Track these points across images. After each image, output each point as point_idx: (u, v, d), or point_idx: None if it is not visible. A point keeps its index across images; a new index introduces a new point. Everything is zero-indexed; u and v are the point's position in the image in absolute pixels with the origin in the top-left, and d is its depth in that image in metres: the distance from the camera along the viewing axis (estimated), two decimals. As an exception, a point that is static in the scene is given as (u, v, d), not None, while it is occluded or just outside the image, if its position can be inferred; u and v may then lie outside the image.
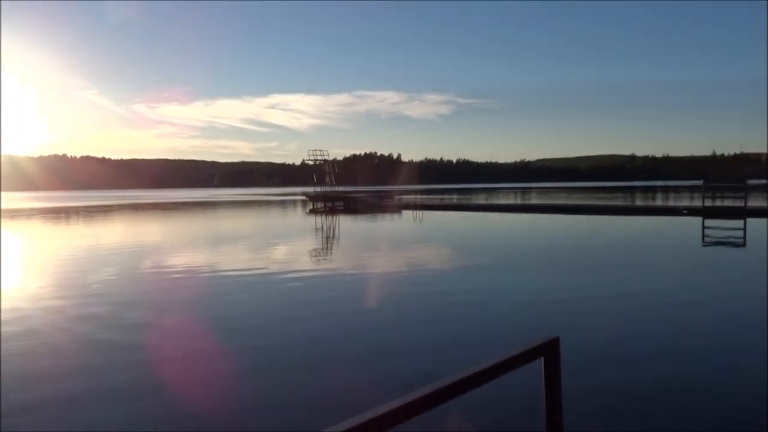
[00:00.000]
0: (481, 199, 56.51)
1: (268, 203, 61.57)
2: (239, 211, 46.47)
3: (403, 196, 50.97)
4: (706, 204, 29.89)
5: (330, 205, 46.54)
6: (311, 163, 49.82)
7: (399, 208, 42.29)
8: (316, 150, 49.11)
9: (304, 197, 53.53)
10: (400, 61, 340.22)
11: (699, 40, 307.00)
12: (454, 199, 60.19)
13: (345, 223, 30.86)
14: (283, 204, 58.63)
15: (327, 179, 49.90)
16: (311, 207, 46.16)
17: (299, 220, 35.64)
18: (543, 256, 16.46)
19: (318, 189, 50.21)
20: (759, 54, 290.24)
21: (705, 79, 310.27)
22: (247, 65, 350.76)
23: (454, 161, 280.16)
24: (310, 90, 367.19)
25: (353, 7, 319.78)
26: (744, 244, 18.77)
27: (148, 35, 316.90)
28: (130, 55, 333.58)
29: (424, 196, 62.78)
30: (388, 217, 34.59)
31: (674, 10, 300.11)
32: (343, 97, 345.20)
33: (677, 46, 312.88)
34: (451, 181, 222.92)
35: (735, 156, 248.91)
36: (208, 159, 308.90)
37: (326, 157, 50.02)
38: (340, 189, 51.51)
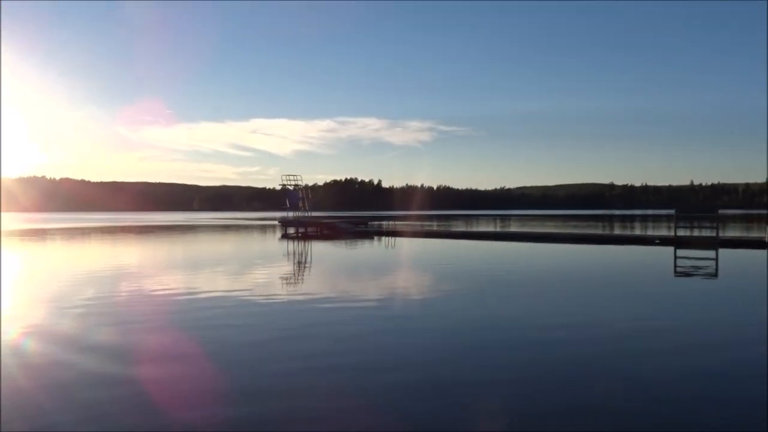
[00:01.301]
0: (458, 227, 56.22)
1: (243, 227, 60.74)
2: (211, 235, 45.61)
3: (380, 222, 50.41)
4: (678, 234, 29.71)
5: (303, 230, 45.88)
6: (285, 187, 49.30)
7: (372, 234, 41.80)
8: (289, 175, 48.72)
9: (276, 222, 52.98)
10: (382, 88, 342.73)
11: (678, 71, 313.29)
12: (434, 226, 59.89)
13: (315, 249, 30.20)
14: (257, 228, 57.88)
15: (300, 204, 49.30)
16: (283, 232, 45.44)
17: (267, 245, 34.86)
18: (508, 283, 16.02)
19: (291, 214, 49.59)
20: (736, 86, 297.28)
21: (684, 110, 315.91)
22: (230, 89, 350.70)
23: (435, 188, 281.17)
24: (292, 115, 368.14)
25: (335, 34, 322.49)
26: (716, 275, 18.54)
27: (130, 58, 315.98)
28: (112, 78, 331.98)
29: (401, 223, 62.35)
30: (360, 243, 34.02)
31: (654, 41, 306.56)
32: (325, 123, 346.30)
33: (657, 76, 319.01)
34: (432, 208, 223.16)
35: (712, 186, 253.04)
36: (189, 182, 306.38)
37: (299, 182, 49.54)
38: (314, 214, 50.85)
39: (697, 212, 37.20)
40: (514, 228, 52.08)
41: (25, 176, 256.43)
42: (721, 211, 40.12)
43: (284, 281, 16.68)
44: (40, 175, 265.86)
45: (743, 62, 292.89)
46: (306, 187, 50.61)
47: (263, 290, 14.54)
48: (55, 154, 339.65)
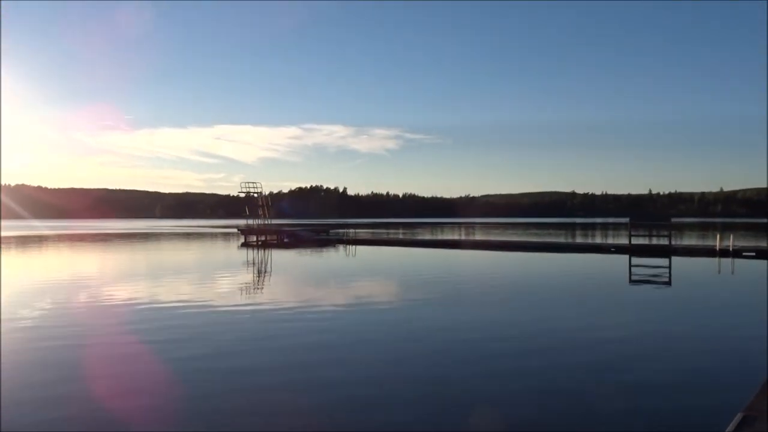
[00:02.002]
0: (422, 235, 56.33)
1: (203, 236, 59.73)
2: (169, 243, 44.68)
3: (341, 230, 50.14)
4: (633, 242, 30.21)
5: (263, 239, 45.32)
6: (243, 195, 48.68)
7: (334, 242, 41.50)
8: (249, 182, 48.13)
9: (236, 230, 52.32)
10: (348, 95, 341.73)
11: (638, 83, 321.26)
12: (400, 233, 59.86)
13: (273, 258, 29.79)
14: (217, 237, 56.94)
15: (260, 212, 48.69)
16: (243, 240, 44.80)
17: (224, 254, 34.28)
18: (460, 291, 16.02)
19: (250, 222, 48.99)
20: (694, 96, 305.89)
21: (643, 121, 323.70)
22: (193, 95, 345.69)
23: (401, 195, 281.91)
24: (257, 122, 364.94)
25: (300, 40, 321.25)
26: (669, 282, 18.88)
27: (88, 61, 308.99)
28: (69, 82, 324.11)
29: (363, 230, 62.20)
30: (320, 251, 33.72)
31: (614, 54, 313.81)
32: (291, 130, 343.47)
33: (615, 87, 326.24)
34: (397, 216, 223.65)
35: (669, 195, 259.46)
36: (151, 189, 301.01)
37: (259, 190, 48.91)
38: (276, 222, 50.29)
39: (651, 221, 37.76)
40: (475, 236, 52.35)
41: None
42: (675, 220, 41.03)
43: (238, 292, 16.32)
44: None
45: (702, 73, 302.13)
46: (266, 195, 50.06)
47: (213, 301, 14.19)
48: (9, 159, 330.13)
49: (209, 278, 19.92)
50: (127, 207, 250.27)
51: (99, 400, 6.65)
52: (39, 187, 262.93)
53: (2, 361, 8.26)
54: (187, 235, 59.53)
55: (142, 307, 13.31)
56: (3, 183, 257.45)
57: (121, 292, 15.83)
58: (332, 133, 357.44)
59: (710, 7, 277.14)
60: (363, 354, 8.90)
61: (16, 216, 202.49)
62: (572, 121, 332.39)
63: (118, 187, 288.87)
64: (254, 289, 17.07)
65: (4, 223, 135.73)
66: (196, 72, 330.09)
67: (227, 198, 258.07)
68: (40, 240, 49.48)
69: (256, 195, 48.78)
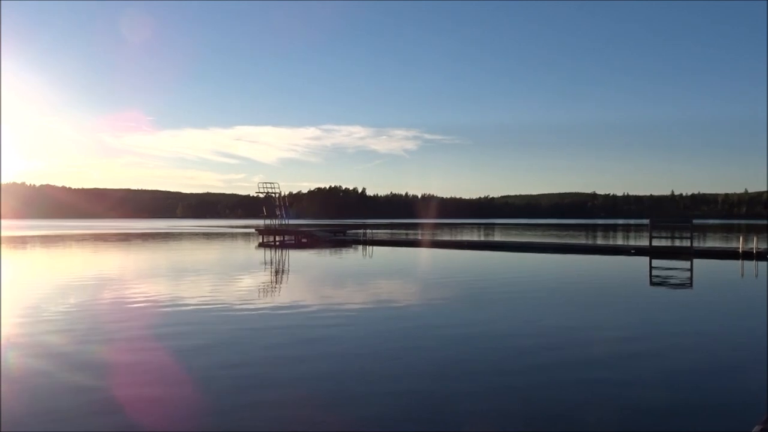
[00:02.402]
0: (440, 235, 56.12)
1: (221, 236, 60.11)
2: (187, 243, 44.95)
3: (358, 231, 50.02)
4: (653, 244, 29.72)
5: (280, 239, 45.41)
6: (261, 195, 48.78)
7: (351, 242, 41.45)
8: (266, 183, 48.22)
9: (254, 230, 52.51)
10: (367, 96, 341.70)
11: (659, 83, 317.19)
12: (417, 234, 59.65)
13: (290, 258, 29.81)
14: (235, 237, 57.26)
15: (278, 212, 48.80)
16: (261, 240, 44.91)
17: (242, 254, 34.34)
18: (480, 292, 15.80)
19: (268, 222, 49.12)
20: (718, 96, 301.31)
21: (665, 121, 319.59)
22: (215, 96, 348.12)
23: (419, 196, 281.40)
24: (277, 123, 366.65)
25: (321, 41, 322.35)
26: (691, 285, 18.55)
27: (113, 64, 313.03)
28: (95, 84, 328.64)
29: (381, 231, 62.13)
30: (337, 251, 33.68)
31: (636, 53, 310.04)
32: (310, 131, 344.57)
33: (638, 88, 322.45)
34: (416, 216, 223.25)
35: (692, 196, 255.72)
36: (173, 189, 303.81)
37: (277, 190, 49.04)
38: (294, 222, 50.32)
39: (672, 222, 37.14)
40: (494, 237, 52.00)
41: (5, 183, 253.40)
42: (699, 221, 40.30)
43: (255, 292, 16.31)
44: (20, 182, 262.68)
45: (724, 74, 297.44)
46: (283, 195, 50.15)
47: (230, 302, 14.17)
48: (35, 161, 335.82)
49: (227, 279, 19.93)
50: (149, 207, 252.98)
51: (125, 399, 6.65)
52: (63, 188, 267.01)
53: (24, 363, 8.31)
54: (206, 235, 59.93)
55: (161, 307, 13.36)
56: (27, 183, 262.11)
57: (140, 293, 15.90)
58: (351, 134, 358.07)
59: (742, 7, 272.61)
60: (397, 364, 8.78)
61: (41, 215, 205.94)
62: (593, 122, 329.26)
63: (140, 188, 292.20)
64: (270, 289, 17.05)
65: (28, 222, 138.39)
66: (217, 74, 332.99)
67: (247, 198, 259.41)
68: (63, 239, 50.10)
69: (273, 195, 48.94)
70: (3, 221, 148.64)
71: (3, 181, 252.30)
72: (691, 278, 20.41)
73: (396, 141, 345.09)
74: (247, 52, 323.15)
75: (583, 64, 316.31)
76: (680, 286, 18.46)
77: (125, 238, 53.69)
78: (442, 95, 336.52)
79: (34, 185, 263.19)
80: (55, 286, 17.63)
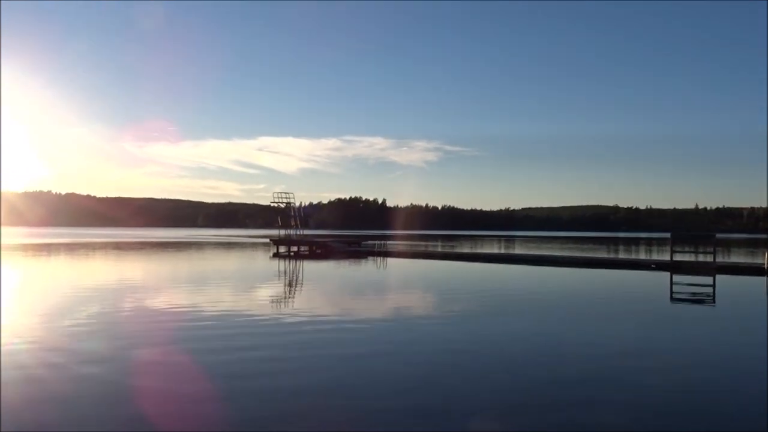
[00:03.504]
0: (459, 247, 55.56)
1: (238, 245, 60.22)
2: (203, 252, 45.00)
3: (373, 242, 49.57)
4: (675, 259, 28.85)
5: (295, 249, 45.20)
6: (276, 205, 48.60)
7: (366, 254, 41.04)
8: (281, 192, 48.07)
9: (268, 240, 52.36)
10: (388, 107, 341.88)
11: (683, 96, 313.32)
12: (437, 246, 59.18)
13: (304, 269, 29.51)
14: (251, 246, 57.28)
15: (293, 223, 48.59)
16: (275, 251, 44.72)
17: (256, 265, 34.05)
18: (494, 306, 15.36)
19: (282, 233, 48.93)
20: (743, 109, 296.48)
21: (689, 133, 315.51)
22: (236, 107, 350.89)
23: (440, 207, 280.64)
24: (298, 133, 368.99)
25: (343, 53, 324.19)
26: (713, 302, 17.90)
27: (138, 75, 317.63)
28: (119, 94, 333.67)
29: (400, 242, 61.70)
30: (351, 263, 33.33)
31: (662, 66, 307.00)
32: (331, 142, 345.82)
33: (662, 100, 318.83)
34: (436, 228, 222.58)
35: (717, 210, 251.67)
36: (195, 199, 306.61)
37: (292, 200, 48.92)
38: (310, 233, 50.17)
39: (694, 236, 36.16)
40: (512, 250, 51.29)
41: (31, 191, 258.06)
42: (723, 236, 39.28)
43: (267, 303, 16.00)
44: (46, 190, 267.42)
45: (753, 86, 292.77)
46: (298, 206, 49.98)
47: (240, 312, 13.87)
48: (61, 169, 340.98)
49: (239, 289, 19.65)
50: (170, 216, 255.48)
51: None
52: (88, 196, 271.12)
53: (49, 368, 8.35)
54: (222, 245, 60.10)
55: (174, 318, 13.14)
56: (54, 192, 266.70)
57: (150, 302, 15.69)
58: (372, 145, 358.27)
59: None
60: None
61: (66, 223, 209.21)
62: (616, 134, 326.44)
63: (162, 197, 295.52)
64: (282, 299, 16.72)
65: (53, 230, 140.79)
66: (241, 85, 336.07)
67: (267, 208, 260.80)
68: (84, 247, 50.50)
69: (288, 205, 48.76)
70: (30, 229, 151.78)
71: (30, 189, 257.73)
72: (713, 294, 19.72)
73: (417, 152, 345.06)
74: (270, 63, 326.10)
75: (607, 75, 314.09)
76: (702, 302, 17.86)
77: (140, 247, 53.96)
78: (463, 107, 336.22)
79: (59, 193, 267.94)
80: (77, 293, 17.58)
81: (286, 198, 48.35)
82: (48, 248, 48.16)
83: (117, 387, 7.45)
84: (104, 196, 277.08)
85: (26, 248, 47.20)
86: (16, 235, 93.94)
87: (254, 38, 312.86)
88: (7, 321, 12.22)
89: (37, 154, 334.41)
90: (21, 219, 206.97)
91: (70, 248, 48.49)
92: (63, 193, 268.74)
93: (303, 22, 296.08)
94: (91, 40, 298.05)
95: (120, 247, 52.41)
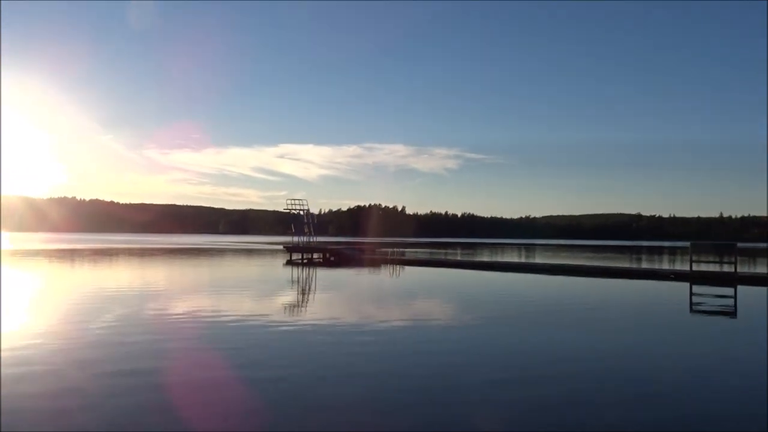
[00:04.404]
0: (475, 255, 55.00)
1: (254, 252, 60.30)
2: (217, 259, 44.96)
3: (388, 249, 49.11)
4: (694, 269, 28.05)
5: (308, 256, 44.97)
6: (290, 211, 48.34)
7: (380, 261, 40.65)
8: (294, 199, 48.07)
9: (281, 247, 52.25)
10: (409, 115, 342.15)
11: (707, 103, 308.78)
12: (457, 254, 58.69)
13: (316, 277, 29.25)
14: (267, 253, 57.27)
15: (306, 230, 48.33)
16: (288, 258, 44.53)
17: (268, 272, 33.76)
18: (506, 316, 15.08)
19: (296, 240, 48.73)
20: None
21: (713, 141, 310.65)
22: (258, 115, 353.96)
23: (459, 215, 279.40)
24: (319, 141, 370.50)
25: (364, 59, 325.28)
26: (735, 314, 17.30)
27: (162, 83, 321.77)
28: (144, 101, 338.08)
29: (420, 250, 61.26)
30: (365, 271, 32.99)
31: (688, 72, 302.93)
32: (352, 149, 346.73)
33: (687, 106, 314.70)
34: (455, 236, 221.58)
35: (742, 218, 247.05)
36: (216, 206, 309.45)
37: (305, 207, 48.69)
38: (320, 240, 49.95)
39: (715, 246, 35.19)
40: (532, 258, 50.56)
41: (56, 196, 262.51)
42: (748, 245, 38.24)
43: (280, 310, 15.75)
44: (70, 196, 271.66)
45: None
46: (312, 213, 49.77)
47: (246, 319, 13.62)
48: (85, 176, 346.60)
49: (249, 298, 19.44)
50: (193, 222, 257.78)
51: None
52: (111, 202, 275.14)
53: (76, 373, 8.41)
54: (239, 251, 60.19)
55: (184, 322, 12.88)
56: (78, 198, 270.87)
57: (159, 310, 15.52)
58: (393, 153, 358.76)
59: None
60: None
61: (90, 229, 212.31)
62: (639, 142, 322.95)
63: (184, 203, 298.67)
64: (294, 308, 16.45)
65: (78, 236, 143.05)
66: (263, 92, 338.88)
67: (288, 215, 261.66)
68: (105, 253, 50.90)
69: (301, 213, 48.56)
70: (55, 234, 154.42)
71: (55, 195, 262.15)
72: (735, 306, 19.05)
73: (437, 160, 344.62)
74: (292, 71, 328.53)
75: (628, 83, 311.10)
76: (723, 314, 17.28)
77: (152, 253, 54.25)
78: (484, 114, 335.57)
79: (84, 199, 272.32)
80: (87, 301, 17.48)
81: (300, 205, 48.24)
82: (72, 254, 48.83)
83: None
84: (128, 202, 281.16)
85: (49, 254, 47.75)
86: (42, 240, 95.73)
87: (276, 47, 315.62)
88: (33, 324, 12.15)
89: (61, 160, 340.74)
90: (47, 224, 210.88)
91: (95, 254, 49.12)
92: (87, 199, 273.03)
93: (324, 31, 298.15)
94: (118, 49, 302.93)
95: (133, 253, 52.70)
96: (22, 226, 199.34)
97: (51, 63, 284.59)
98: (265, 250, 66.37)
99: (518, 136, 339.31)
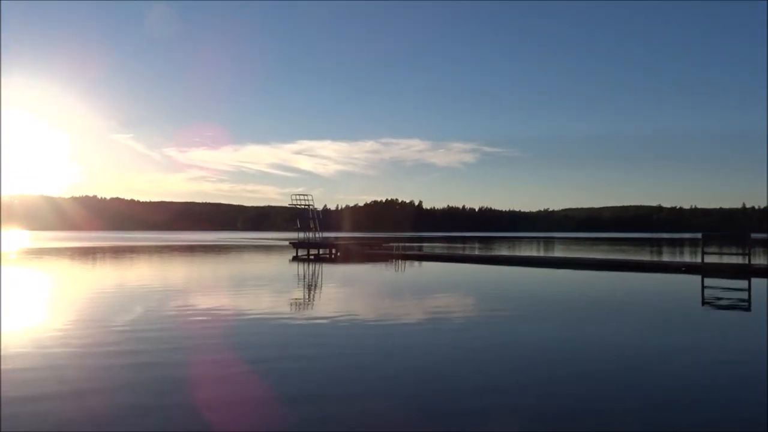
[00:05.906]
0: (491, 250, 54.35)
1: (268, 248, 60.40)
2: (224, 255, 44.91)
3: (396, 244, 48.59)
4: (706, 261, 27.14)
5: (315, 252, 44.61)
6: (296, 206, 47.99)
7: (385, 257, 40.11)
8: (300, 195, 47.57)
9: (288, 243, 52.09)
10: (425, 109, 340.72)
11: (727, 92, 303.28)
12: (475, 248, 58.04)
13: (320, 272, 28.90)
14: (275, 249, 57.21)
15: (311, 225, 47.85)
16: (294, 254, 44.22)
17: (273, 268, 33.40)
18: (514, 312, 14.72)
19: (302, 235, 48.37)
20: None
21: (736, 131, 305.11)
22: (276, 112, 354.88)
23: (477, 209, 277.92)
24: (336, 137, 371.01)
25: (380, 56, 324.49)
26: (749, 307, 16.58)
27: (182, 82, 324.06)
28: (162, 100, 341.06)
29: (437, 244, 60.69)
30: (369, 266, 32.55)
31: (708, 61, 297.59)
32: (368, 144, 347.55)
33: (709, 96, 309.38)
34: (473, 230, 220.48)
35: (766, 209, 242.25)
36: (235, 203, 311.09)
37: (310, 202, 48.31)
38: (327, 235, 49.63)
39: (727, 236, 34.20)
40: (549, 252, 49.71)
41: (77, 195, 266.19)
42: (762, 235, 37.09)
43: (285, 306, 15.38)
44: (91, 195, 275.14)
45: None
46: (317, 208, 49.35)
47: (242, 313, 13.26)
48: (105, 175, 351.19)
49: (249, 294, 19.12)
50: (211, 219, 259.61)
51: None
52: (132, 201, 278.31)
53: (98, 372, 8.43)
54: (249, 248, 60.27)
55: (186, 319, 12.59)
56: (99, 197, 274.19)
57: (160, 309, 15.25)
58: (409, 147, 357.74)
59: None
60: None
61: (111, 227, 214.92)
62: (659, 132, 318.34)
63: (203, 201, 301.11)
64: (297, 305, 16.08)
65: (102, 234, 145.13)
66: (279, 90, 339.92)
67: (306, 210, 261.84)
68: (125, 250, 51.15)
69: (307, 208, 48.17)
70: (76, 233, 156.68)
71: (77, 194, 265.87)
72: (749, 299, 18.26)
73: (454, 154, 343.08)
74: (308, 68, 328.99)
75: (647, 73, 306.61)
76: (736, 307, 16.62)
77: (166, 249, 54.44)
78: (500, 107, 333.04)
79: (105, 198, 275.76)
80: (101, 299, 17.48)
81: (305, 200, 47.86)
82: (94, 252, 49.30)
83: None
84: (147, 200, 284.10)
85: (71, 252, 48.20)
86: (64, 238, 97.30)
87: (292, 43, 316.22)
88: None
89: (82, 160, 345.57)
90: (68, 223, 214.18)
91: (116, 251, 49.49)
92: (108, 198, 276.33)
93: (341, 27, 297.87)
94: (135, 49, 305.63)
95: (150, 250, 52.90)
96: (44, 225, 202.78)
97: (71, 64, 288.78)
98: (276, 246, 66.39)
99: (535, 129, 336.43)
